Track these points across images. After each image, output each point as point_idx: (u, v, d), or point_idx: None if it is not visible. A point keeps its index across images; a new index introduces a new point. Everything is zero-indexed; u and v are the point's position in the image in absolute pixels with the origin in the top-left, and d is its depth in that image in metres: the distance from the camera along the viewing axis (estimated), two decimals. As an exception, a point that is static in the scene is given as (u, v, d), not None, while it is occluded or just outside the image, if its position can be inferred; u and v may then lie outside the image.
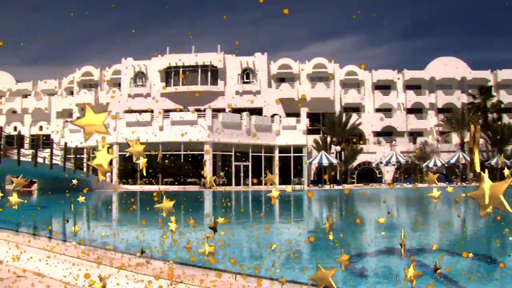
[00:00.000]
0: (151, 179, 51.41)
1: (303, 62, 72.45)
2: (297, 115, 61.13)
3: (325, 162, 51.95)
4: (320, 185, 53.39)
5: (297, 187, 48.76)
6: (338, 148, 58.27)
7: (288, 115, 61.24)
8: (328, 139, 60.06)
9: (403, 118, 69.58)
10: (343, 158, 58.50)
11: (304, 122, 57.63)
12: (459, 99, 70.22)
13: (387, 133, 68.80)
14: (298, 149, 56.40)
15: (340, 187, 51.90)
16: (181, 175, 49.95)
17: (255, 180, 51.76)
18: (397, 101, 71.77)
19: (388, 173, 61.04)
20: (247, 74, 66.18)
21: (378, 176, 61.59)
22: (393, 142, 65.15)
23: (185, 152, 51.42)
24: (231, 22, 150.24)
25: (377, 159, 58.32)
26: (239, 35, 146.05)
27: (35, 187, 47.27)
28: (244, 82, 65.88)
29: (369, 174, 61.80)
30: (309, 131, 58.72)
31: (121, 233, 13.79)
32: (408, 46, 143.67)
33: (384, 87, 72.77)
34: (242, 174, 53.22)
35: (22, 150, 34.54)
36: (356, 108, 70.45)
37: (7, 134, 36.86)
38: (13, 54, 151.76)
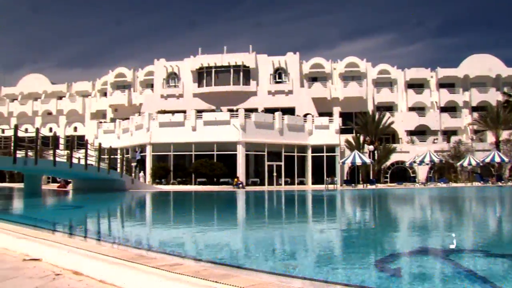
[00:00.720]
0: (184, 179, 51.70)
1: (335, 61, 72.21)
2: (329, 114, 60.90)
3: (358, 162, 51.60)
4: (353, 184, 53.08)
5: (330, 186, 48.60)
6: (371, 147, 57.91)
7: (321, 114, 60.94)
8: (361, 138, 59.73)
9: (437, 117, 68.86)
10: (376, 157, 58.09)
11: (337, 121, 57.32)
12: (494, 97, 69.31)
13: (420, 132, 68.17)
14: (331, 148, 56.16)
15: (373, 186, 51.59)
16: (214, 175, 50.12)
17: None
18: (430, 100, 71.15)
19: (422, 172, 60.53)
20: (279, 74, 65.96)
21: (412, 175, 61.07)
22: (435, 140, 64.64)
23: (218, 152, 51.52)
24: (264, 22, 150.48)
25: (410, 158, 57.79)
26: (271, 35, 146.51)
27: (70, 187, 47.87)
28: (276, 82, 65.68)
29: (402, 173, 61.33)
30: (342, 131, 58.40)
31: (159, 232, 13.90)
32: (441, 44, 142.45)
33: (417, 85, 72.13)
34: (275, 174, 53.16)
35: (57, 151, 34.99)
36: (389, 107, 69.98)
37: (43, 135, 37.32)
38: (48, 57, 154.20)
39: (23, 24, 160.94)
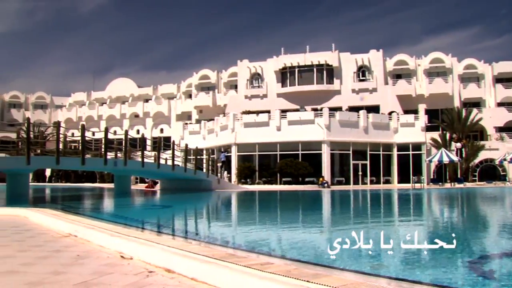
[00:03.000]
0: (269, 178, 51.99)
1: (420, 58, 70.81)
2: (414, 111, 59.79)
3: (445, 160, 50.60)
4: (440, 183, 52.09)
5: (417, 185, 47.87)
6: (459, 145, 56.53)
7: (406, 112, 59.89)
8: (448, 135, 58.45)
9: (528, 112, 66.37)
10: (464, 155, 56.71)
11: (423, 118, 56.24)
12: None
13: (510, 128, 65.89)
14: (417, 146, 55.14)
15: (462, 185, 50.47)
16: (299, 175, 50.16)
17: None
18: (521, 94, 68.64)
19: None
20: (362, 71, 65.19)
21: (502, 173, 59.15)
22: None
23: (303, 152, 51.58)
24: (346, 20, 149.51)
25: (500, 156, 56.01)
26: (353, 32, 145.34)
27: (158, 187, 48.96)
28: (360, 80, 65.00)
29: (491, 171, 59.49)
30: (428, 128, 57.25)
31: (247, 231, 14.11)
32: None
33: (506, 79, 69.79)
34: (360, 173, 52.77)
35: (145, 152, 35.91)
36: (476, 103, 68.04)
37: (131, 137, 38.41)
38: (134, 61, 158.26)
39: (112, 30, 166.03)
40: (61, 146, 28.06)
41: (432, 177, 56.20)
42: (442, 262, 8.05)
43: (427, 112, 61.28)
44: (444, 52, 70.37)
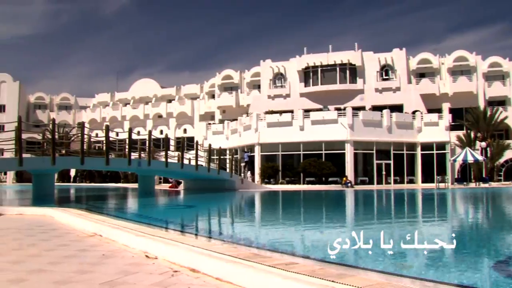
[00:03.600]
0: (292, 178, 51.97)
1: (443, 56, 70.09)
2: (438, 111, 59.37)
3: (470, 159, 50.17)
4: (465, 183, 51.63)
5: (441, 185, 47.51)
6: (483, 144, 55.95)
7: (430, 111, 59.48)
8: (472, 135, 57.91)
9: (555, 111, 65.37)
10: (488, 154, 56.14)
11: (447, 118, 55.85)
12: None
13: (537, 127, 65.01)
14: (441, 146, 54.74)
15: (487, 185, 49.98)
16: (323, 175, 50.06)
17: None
18: (548, 92, 67.66)
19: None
20: (386, 70, 64.77)
21: (528, 173, 58.48)
22: None
23: (326, 151, 51.44)
24: (368, 19, 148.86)
25: (526, 156, 55.41)
26: (376, 31, 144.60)
27: (181, 187, 49.10)
28: (383, 79, 64.63)
29: (517, 171, 58.87)
30: (452, 127, 56.85)
31: (271, 231, 14.10)
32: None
33: (533, 77, 68.76)
34: (384, 173, 52.50)
35: (168, 152, 36.05)
36: (502, 101, 67.23)
37: (154, 137, 38.58)
38: (157, 61, 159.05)
39: (135, 30, 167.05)
40: (85, 146, 28.26)
41: (456, 176, 55.72)
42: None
43: (451, 111, 60.93)
44: (468, 50, 69.70)
